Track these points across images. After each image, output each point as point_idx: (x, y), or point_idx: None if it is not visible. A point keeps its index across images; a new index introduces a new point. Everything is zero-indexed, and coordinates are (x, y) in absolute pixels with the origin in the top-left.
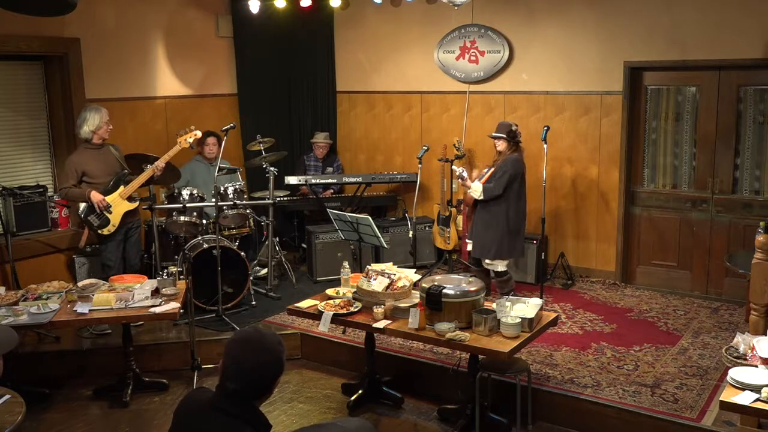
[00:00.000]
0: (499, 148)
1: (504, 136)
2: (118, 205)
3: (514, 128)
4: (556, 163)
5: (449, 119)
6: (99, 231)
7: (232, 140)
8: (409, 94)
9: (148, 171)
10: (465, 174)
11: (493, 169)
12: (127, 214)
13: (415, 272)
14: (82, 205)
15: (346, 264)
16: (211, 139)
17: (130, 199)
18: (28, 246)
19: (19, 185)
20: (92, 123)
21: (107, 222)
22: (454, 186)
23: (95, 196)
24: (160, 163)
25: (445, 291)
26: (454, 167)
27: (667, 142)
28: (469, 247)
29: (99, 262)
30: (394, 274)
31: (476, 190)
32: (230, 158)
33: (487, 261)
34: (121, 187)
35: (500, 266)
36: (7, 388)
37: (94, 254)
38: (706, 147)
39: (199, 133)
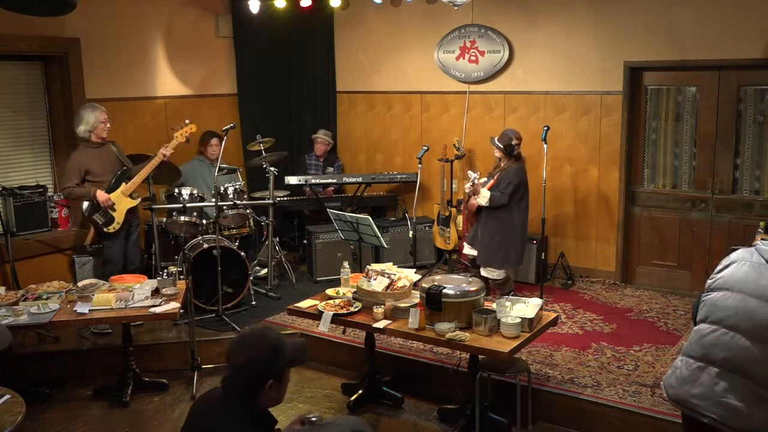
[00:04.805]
0: (496, 154)
1: (502, 147)
2: (121, 202)
3: (514, 143)
4: (556, 163)
5: (449, 119)
6: (104, 229)
7: (232, 140)
8: (409, 94)
9: (156, 159)
10: (477, 180)
11: (495, 179)
12: (129, 212)
13: (415, 272)
14: (86, 204)
15: (346, 264)
16: (214, 140)
17: (131, 196)
18: (28, 246)
19: (19, 185)
20: (88, 122)
21: (112, 220)
22: (454, 186)
23: (101, 195)
24: (167, 151)
25: (445, 291)
26: (469, 172)
27: (667, 142)
28: (467, 249)
29: (100, 261)
30: (394, 274)
31: (484, 196)
32: (230, 158)
33: (490, 268)
34: (123, 185)
35: (497, 274)
36: (7, 388)
37: (95, 253)
38: (706, 147)
39: (194, 127)
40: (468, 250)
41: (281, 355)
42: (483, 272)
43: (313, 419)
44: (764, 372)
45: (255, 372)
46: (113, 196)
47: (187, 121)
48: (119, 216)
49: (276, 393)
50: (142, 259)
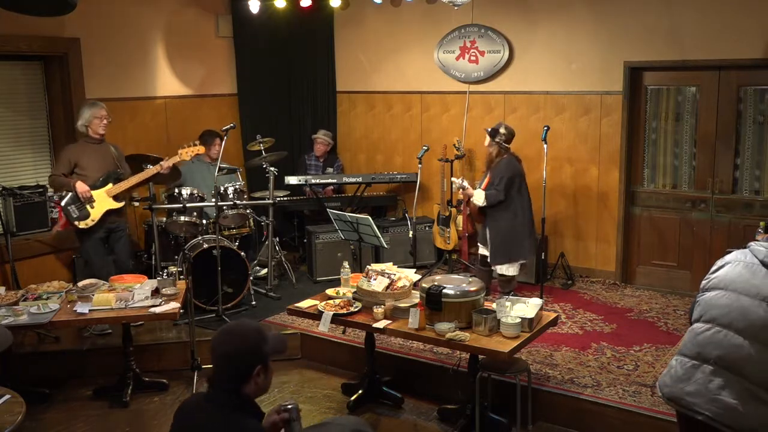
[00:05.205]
0: (485, 143)
1: (488, 131)
2: (102, 201)
3: (501, 130)
4: (556, 163)
5: (449, 119)
6: (76, 222)
7: (232, 140)
8: (409, 94)
9: (151, 170)
10: (465, 183)
11: (488, 177)
12: (111, 213)
13: (415, 272)
14: (67, 196)
15: (346, 264)
16: (218, 140)
17: (116, 199)
18: (28, 246)
19: (19, 185)
20: (84, 117)
21: (87, 215)
22: (454, 186)
23: (80, 186)
24: (166, 163)
25: (445, 291)
26: (453, 179)
27: (667, 142)
28: (481, 249)
29: (82, 261)
30: (394, 274)
31: (479, 197)
32: (230, 158)
33: (506, 265)
34: (110, 185)
35: (512, 270)
36: (7, 388)
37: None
38: (706, 147)
39: (202, 149)
40: (482, 250)
41: (265, 338)
42: (498, 269)
43: (289, 406)
44: (759, 371)
45: (243, 359)
46: (95, 193)
47: (197, 142)
48: (95, 214)
49: (263, 380)
50: (138, 261)
